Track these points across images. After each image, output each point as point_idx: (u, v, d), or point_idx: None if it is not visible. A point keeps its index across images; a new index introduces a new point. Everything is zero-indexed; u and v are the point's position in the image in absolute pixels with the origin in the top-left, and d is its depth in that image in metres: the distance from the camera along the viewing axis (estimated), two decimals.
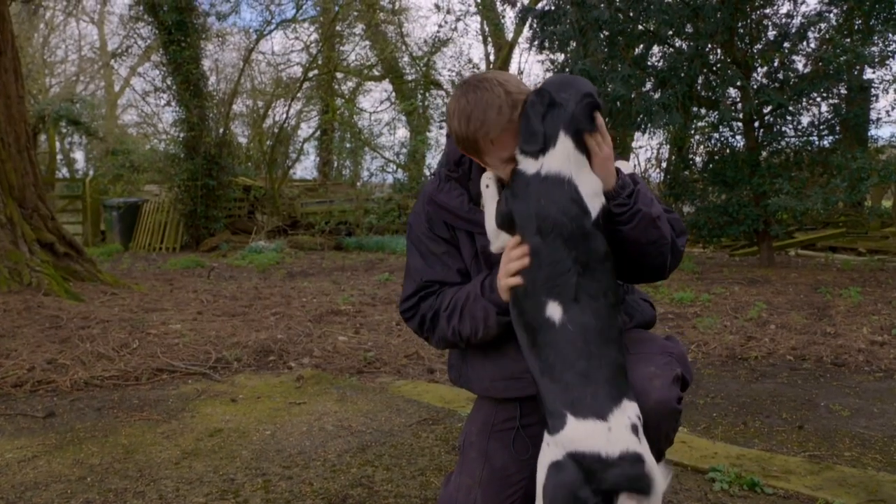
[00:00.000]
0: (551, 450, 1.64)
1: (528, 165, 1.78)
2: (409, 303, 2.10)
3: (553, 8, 11.00)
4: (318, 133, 23.30)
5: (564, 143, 1.76)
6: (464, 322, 1.97)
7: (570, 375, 1.66)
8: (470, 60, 23.28)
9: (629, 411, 1.64)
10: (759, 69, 10.67)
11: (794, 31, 10.20)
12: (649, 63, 11.23)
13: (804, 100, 10.44)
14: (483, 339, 1.98)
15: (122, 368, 4.55)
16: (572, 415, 1.62)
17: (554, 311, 1.71)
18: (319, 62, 20.79)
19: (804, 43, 10.30)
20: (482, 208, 1.98)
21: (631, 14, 10.57)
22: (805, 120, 10.82)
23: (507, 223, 1.84)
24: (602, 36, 10.64)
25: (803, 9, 10.30)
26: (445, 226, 2.08)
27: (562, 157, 1.75)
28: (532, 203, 1.76)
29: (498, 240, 1.90)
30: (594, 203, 1.75)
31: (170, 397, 4.06)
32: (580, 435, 1.60)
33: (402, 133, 34.79)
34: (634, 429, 1.63)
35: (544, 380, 1.70)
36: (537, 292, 1.74)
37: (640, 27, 10.88)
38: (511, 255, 1.81)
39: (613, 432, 1.59)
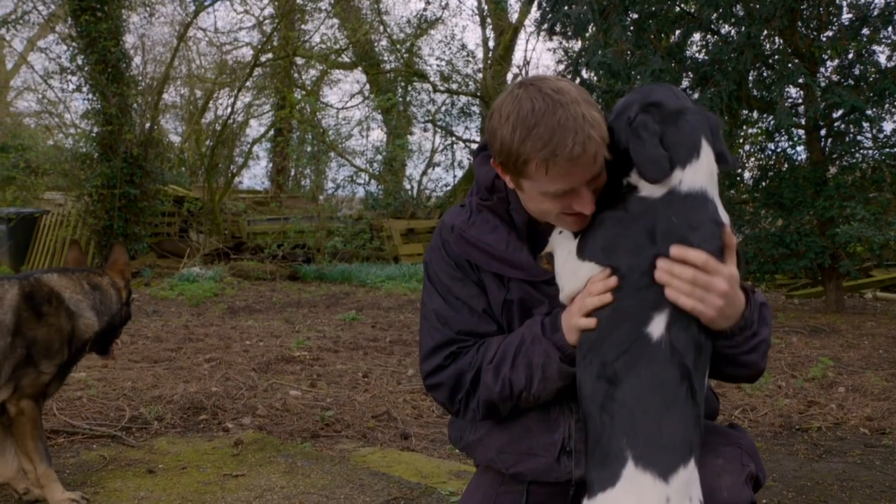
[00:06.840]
0: None
1: (651, 187, 1.82)
2: (435, 360, 2.07)
3: None
4: (272, 133, 23.39)
5: (708, 155, 1.82)
6: (517, 370, 1.95)
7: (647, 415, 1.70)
8: (464, 46, 23.64)
9: (693, 488, 1.66)
10: (828, 62, 10.76)
11: (875, 13, 10.13)
12: (687, 54, 11.35)
13: (887, 102, 10.49)
14: (536, 398, 1.96)
15: None
16: (633, 460, 1.64)
17: (657, 326, 1.75)
18: (275, 43, 20.93)
19: (889, 29, 10.30)
20: (543, 256, 2.00)
21: None
22: (888, 127, 10.90)
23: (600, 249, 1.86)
24: (628, 19, 10.73)
25: None
26: (471, 267, 2.08)
27: (706, 172, 1.81)
28: (662, 223, 1.79)
29: (571, 284, 1.91)
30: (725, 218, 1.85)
31: (67, 467, 3.99)
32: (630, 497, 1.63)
33: (377, 135, 35.11)
34: None
35: (606, 416, 1.74)
36: (643, 308, 1.77)
37: (676, 8, 11.00)
38: (593, 288, 1.82)
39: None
